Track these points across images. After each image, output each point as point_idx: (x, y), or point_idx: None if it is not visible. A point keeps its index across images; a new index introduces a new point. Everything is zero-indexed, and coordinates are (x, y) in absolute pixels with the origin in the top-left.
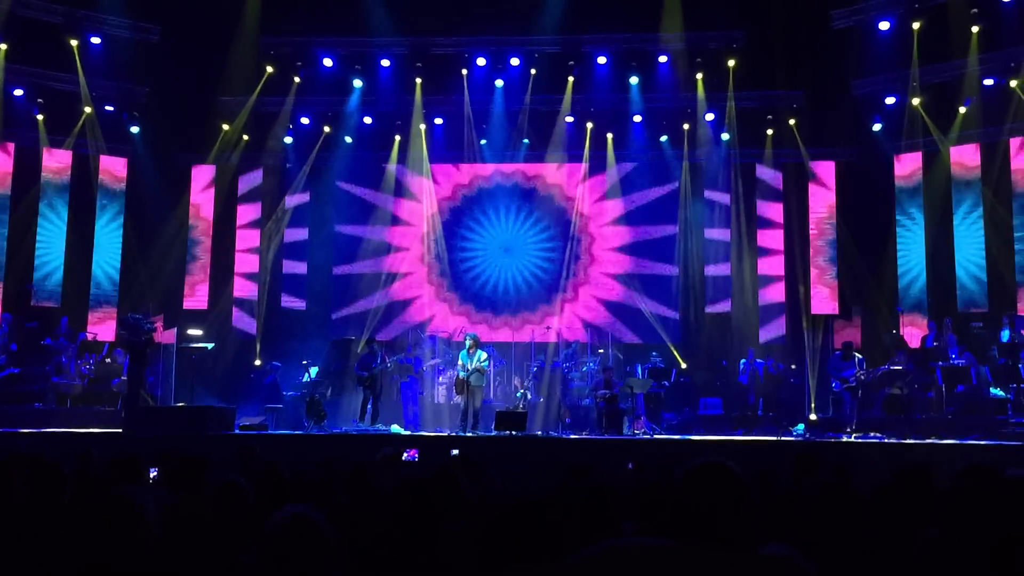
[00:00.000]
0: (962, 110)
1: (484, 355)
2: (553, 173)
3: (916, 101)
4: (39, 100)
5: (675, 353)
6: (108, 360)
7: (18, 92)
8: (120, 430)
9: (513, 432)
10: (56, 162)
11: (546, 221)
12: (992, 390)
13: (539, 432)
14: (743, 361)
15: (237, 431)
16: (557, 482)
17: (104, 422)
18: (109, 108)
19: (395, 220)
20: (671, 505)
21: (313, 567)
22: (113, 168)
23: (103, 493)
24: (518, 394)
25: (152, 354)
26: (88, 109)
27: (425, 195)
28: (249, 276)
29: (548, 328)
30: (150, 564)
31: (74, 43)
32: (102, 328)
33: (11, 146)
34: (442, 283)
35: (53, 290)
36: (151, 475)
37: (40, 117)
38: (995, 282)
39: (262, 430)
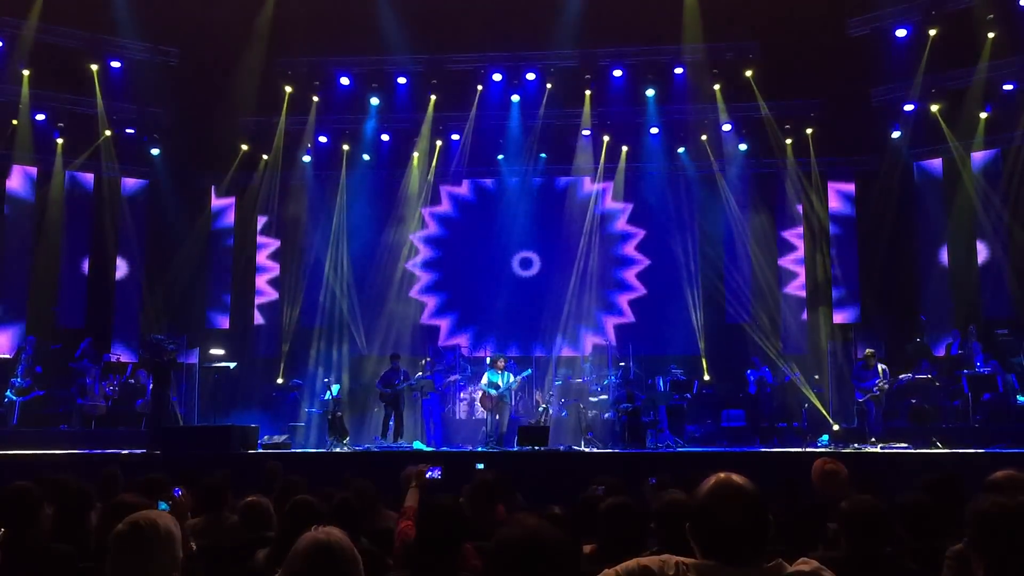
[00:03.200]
0: (983, 116)
1: (511, 376)
2: (570, 185)
3: (935, 108)
4: (60, 124)
5: (704, 364)
6: (132, 381)
7: (40, 117)
8: (144, 450)
9: (536, 447)
10: (77, 185)
11: (562, 235)
12: (1019, 397)
13: (561, 447)
14: (749, 371)
15: (260, 449)
16: (582, 497)
17: (128, 443)
18: (130, 131)
19: (411, 235)
20: (693, 522)
21: None
22: (133, 190)
23: (129, 517)
24: (540, 408)
25: (175, 374)
26: (107, 132)
27: (440, 209)
28: (270, 294)
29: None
30: None
31: (94, 68)
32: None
33: (34, 170)
34: (461, 297)
35: (76, 312)
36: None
37: (60, 141)
38: (1019, 288)
39: (285, 448)
